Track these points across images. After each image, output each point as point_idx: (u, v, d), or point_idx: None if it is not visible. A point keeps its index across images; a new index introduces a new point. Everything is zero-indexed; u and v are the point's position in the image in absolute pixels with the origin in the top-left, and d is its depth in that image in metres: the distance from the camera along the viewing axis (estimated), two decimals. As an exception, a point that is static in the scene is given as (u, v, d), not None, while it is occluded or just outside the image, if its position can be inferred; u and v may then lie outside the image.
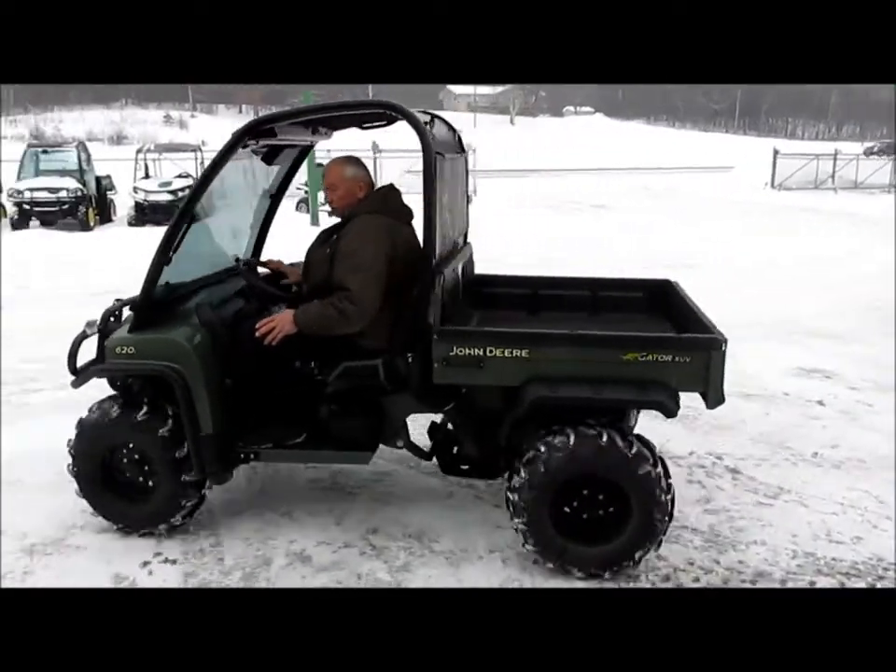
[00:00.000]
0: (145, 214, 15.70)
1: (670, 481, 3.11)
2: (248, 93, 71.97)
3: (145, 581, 3.26)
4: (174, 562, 3.39)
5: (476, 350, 3.05)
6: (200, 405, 3.28)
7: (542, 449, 3.08)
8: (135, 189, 16.01)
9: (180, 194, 15.91)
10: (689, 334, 3.24)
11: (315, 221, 14.48)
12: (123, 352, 3.29)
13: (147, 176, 16.98)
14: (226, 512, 3.81)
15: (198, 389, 3.26)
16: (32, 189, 15.00)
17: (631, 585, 3.21)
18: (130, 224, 15.55)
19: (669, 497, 3.09)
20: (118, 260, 11.69)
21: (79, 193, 15.26)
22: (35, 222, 15.16)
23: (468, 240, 4.18)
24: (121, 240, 13.61)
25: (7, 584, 3.22)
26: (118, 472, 3.49)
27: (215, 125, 60.07)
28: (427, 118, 3.29)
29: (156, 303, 3.31)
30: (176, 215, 3.26)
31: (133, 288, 3.41)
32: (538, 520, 3.12)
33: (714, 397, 3.02)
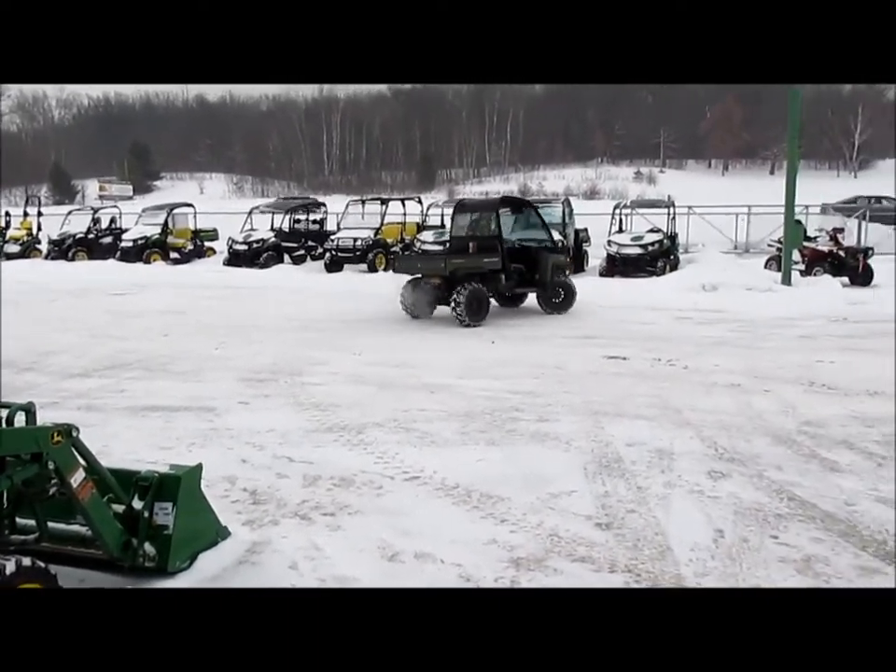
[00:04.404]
0: (615, 265, 16.55)
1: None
2: (717, 148, 71.36)
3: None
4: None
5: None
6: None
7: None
8: (609, 242, 16.96)
9: (650, 248, 16.51)
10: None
11: (786, 280, 13.77)
12: None
13: (620, 230, 17.95)
14: None
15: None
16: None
17: (631, 585, 3.38)
18: (601, 274, 16.47)
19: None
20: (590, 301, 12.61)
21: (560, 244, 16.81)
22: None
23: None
24: (583, 289, 14.57)
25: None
26: None
27: (682, 180, 60.94)
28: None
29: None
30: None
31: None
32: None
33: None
